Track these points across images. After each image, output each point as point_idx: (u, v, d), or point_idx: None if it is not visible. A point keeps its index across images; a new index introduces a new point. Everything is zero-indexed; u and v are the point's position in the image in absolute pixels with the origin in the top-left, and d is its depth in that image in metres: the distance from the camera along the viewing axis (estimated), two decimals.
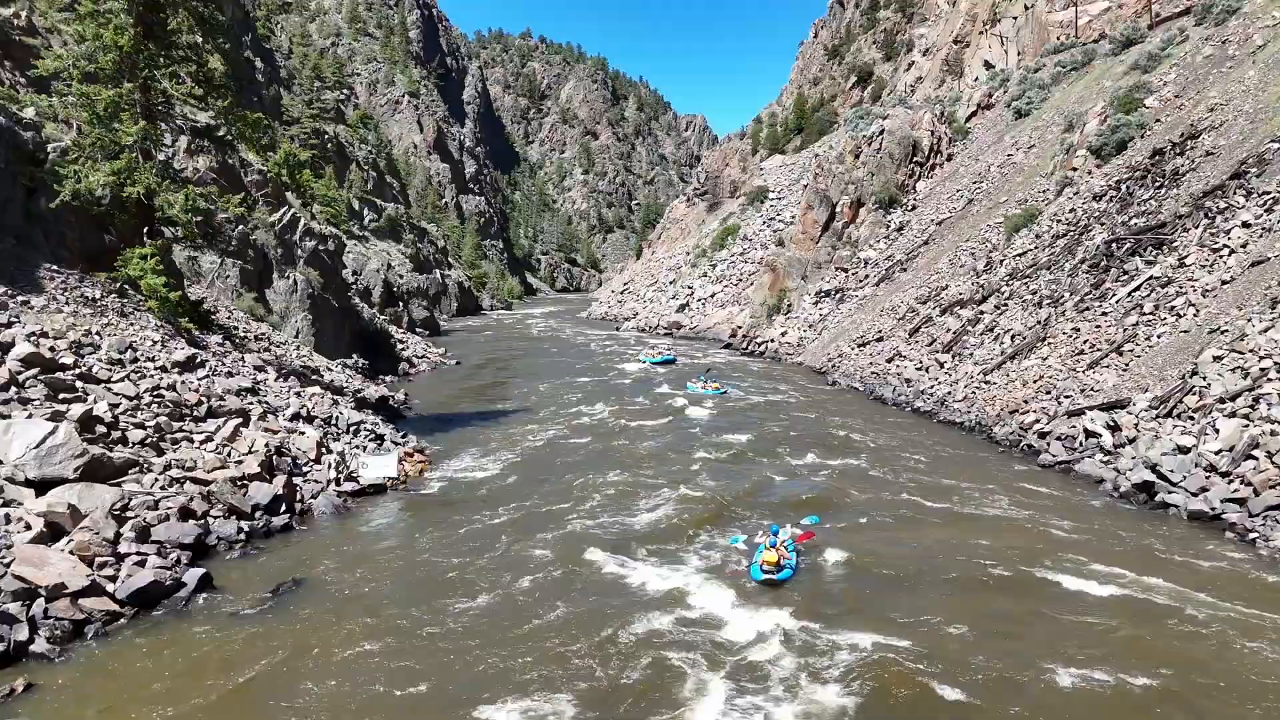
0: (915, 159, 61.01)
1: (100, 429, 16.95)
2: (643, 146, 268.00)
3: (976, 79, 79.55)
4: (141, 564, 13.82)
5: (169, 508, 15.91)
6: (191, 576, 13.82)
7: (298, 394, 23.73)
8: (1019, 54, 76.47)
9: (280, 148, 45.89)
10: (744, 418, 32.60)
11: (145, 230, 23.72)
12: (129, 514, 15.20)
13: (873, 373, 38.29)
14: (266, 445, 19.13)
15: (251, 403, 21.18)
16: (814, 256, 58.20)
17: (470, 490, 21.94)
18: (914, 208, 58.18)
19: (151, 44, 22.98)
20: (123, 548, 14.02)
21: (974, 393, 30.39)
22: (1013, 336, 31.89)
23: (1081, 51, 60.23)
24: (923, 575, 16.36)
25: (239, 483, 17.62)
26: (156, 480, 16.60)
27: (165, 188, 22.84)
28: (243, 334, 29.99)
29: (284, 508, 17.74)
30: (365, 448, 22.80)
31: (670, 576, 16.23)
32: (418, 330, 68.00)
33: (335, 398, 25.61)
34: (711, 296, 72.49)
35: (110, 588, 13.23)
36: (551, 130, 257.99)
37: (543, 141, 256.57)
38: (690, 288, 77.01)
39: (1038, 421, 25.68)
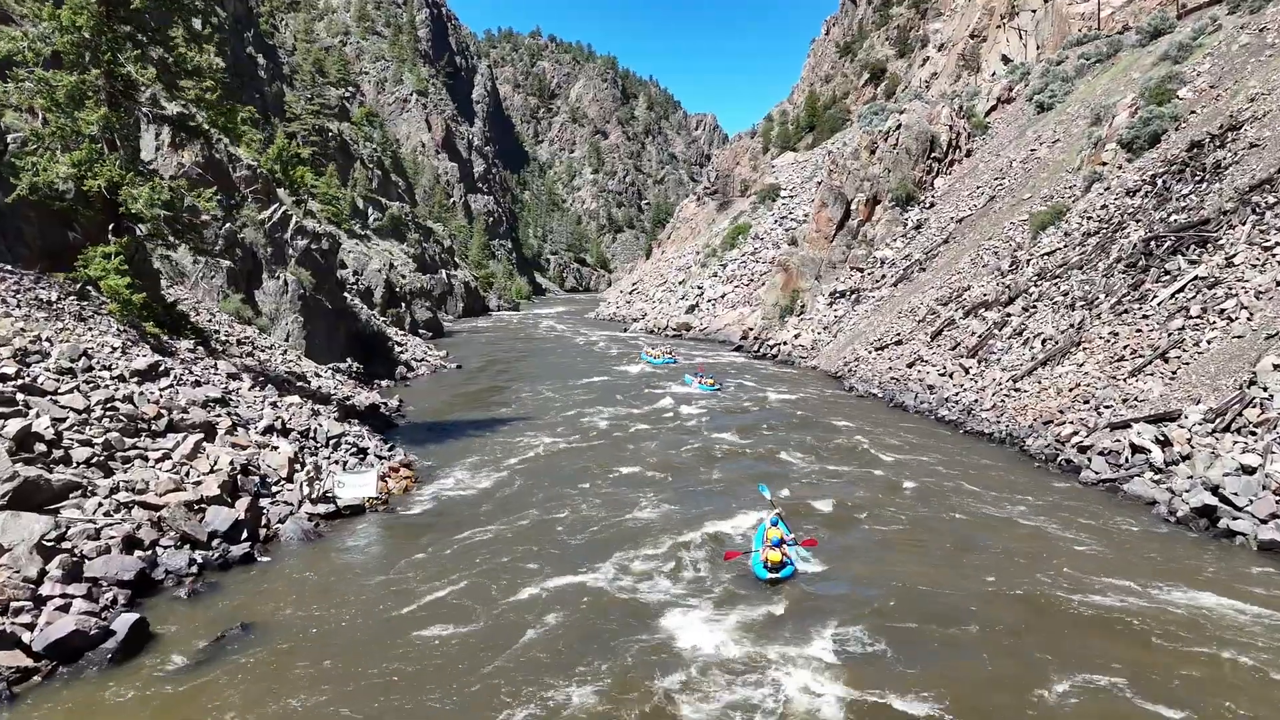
0: (933, 154, 58.90)
1: (40, 447, 15.17)
2: (653, 146, 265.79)
3: (994, 73, 77.43)
4: (65, 608, 12.03)
5: (111, 537, 14.12)
6: (122, 623, 11.98)
7: (273, 404, 21.92)
8: (1038, 47, 74.34)
9: (275, 142, 44.44)
10: (755, 426, 30.71)
11: (111, 227, 21.96)
12: (64, 545, 13.43)
13: (892, 378, 36.30)
14: (231, 463, 17.33)
15: (219, 415, 19.37)
16: (828, 256, 56.18)
17: (458, 509, 20.10)
18: (932, 205, 56.08)
19: (115, 25, 21.21)
20: (45, 589, 12.23)
21: (1003, 401, 28.39)
22: (1044, 341, 29.87)
23: (1106, 43, 58.09)
24: (948, 602, 14.71)
25: (195, 507, 15.81)
26: (101, 505, 14.81)
27: (130, 180, 21.06)
28: (224, 338, 28.24)
29: (245, 535, 15.93)
30: (345, 463, 20.98)
31: (674, 601, 14.89)
32: (420, 332, 66.26)
33: (317, 407, 23.79)
34: (722, 297, 70.52)
35: (26, 638, 11.43)
36: (561, 129, 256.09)
37: (552, 141, 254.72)
38: (700, 288, 75.04)
39: (1076, 434, 23.68)
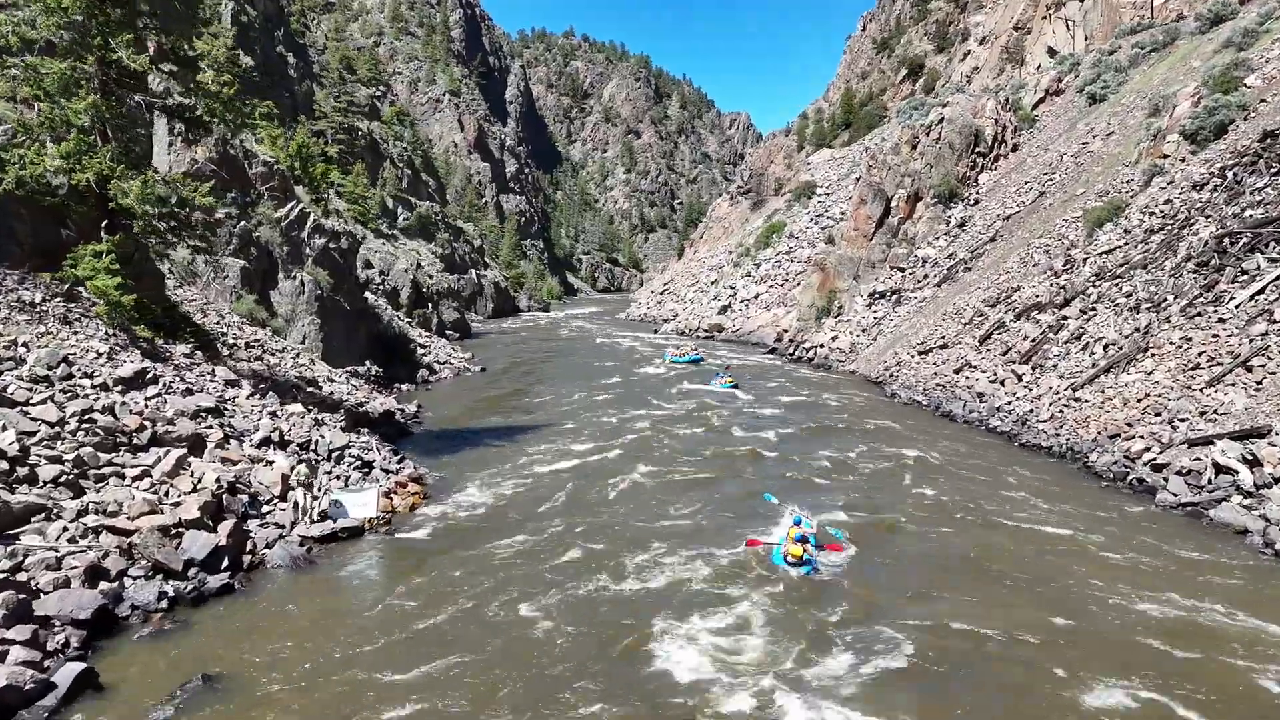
0: (977, 149, 56.46)
1: (1, 465, 13.75)
2: (685, 145, 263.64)
3: (1040, 66, 74.74)
4: (2, 657, 10.52)
5: (73, 568, 12.65)
6: (65, 675, 10.44)
7: (273, 414, 20.41)
8: (1087, 39, 71.49)
9: (295, 138, 43.27)
10: (790, 434, 28.75)
11: (104, 224, 20.61)
12: (19, 576, 11.99)
13: (938, 384, 34.13)
14: (217, 481, 15.81)
15: (210, 426, 17.90)
16: (867, 255, 53.97)
17: (468, 528, 18.47)
18: (977, 202, 53.69)
19: (109, 8, 19.84)
20: None
21: (1062, 412, 26.20)
22: (1105, 346, 27.61)
23: (1163, 31, 55.37)
24: (995, 631, 13.08)
25: (172, 531, 14.29)
26: (66, 530, 13.36)
27: (121, 174, 19.67)
28: (232, 341, 26.90)
29: (226, 563, 14.36)
30: (348, 479, 19.41)
31: (696, 631, 13.41)
32: (447, 333, 65.03)
33: (321, 416, 22.23)
34: (755, 298, 68.46)
35: None
36: (594, 129, 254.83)
37: (585, 141, 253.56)
38: (733, 288, 73.01)
39: (1148, 450, 21.48)
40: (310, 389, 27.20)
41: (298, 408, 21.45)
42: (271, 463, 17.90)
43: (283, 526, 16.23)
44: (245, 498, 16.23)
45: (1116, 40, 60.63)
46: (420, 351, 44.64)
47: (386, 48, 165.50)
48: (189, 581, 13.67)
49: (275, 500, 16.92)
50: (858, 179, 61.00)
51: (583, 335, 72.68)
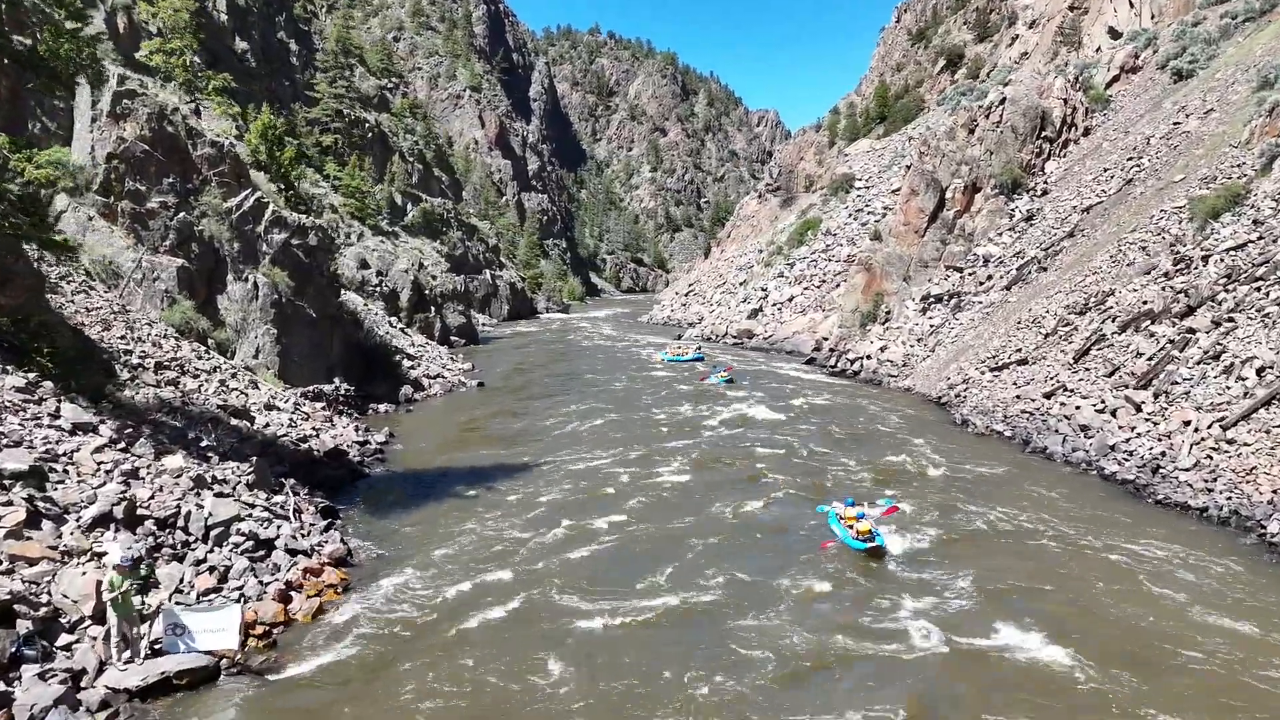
0: (1044, 133, 49.85)
1: None
2: (712, 143, 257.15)
3: (1100, 48, 67.91)
4: None
5: None
6: None
7: (133, 473, 14.52)
8: (1154, 16, 64.48)
9: (260, 118, 37.66)
10: (831, 479, 22.54)
11: None
12: None
13: (1023, 411, 27.78)
14: None
15: (10, 502, 12.10)
16: (918, 253, 47.51)
17: (398, 648, 12.61)
18: (1045, 192, 47.09)
19: None
20: None
21: (1211, 457, 19.86)
22: (1260, 370, 21.22)
23: None
24: None
25: None
26: None
27: None
28: (137, 361, 21.20)
29: None
30: (229, 569, 13.58)
31: None
32: (452, 339, 59.37)
33: (214, 472, 16.33)
34: (789, 300, 61.99)
35: None
36: (619, 127, 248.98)
37: (610, 139, 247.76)
38: (764, 290, 66.53)
39: None
40: (236, 421, 21.47)
41: (176, 461, 15.58)
42: (99, 557, 12.10)
43: (83, 673, 10.41)
44: (26, 625, 10.43)
45: (1201, 11, 53.74)
46: (408, 364, 38.87)
47: (407, 43, 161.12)
48: None
49: (85, 624, 11.10)
50: (909, 166, 54.41)
51: (600, 341, 66.65)
